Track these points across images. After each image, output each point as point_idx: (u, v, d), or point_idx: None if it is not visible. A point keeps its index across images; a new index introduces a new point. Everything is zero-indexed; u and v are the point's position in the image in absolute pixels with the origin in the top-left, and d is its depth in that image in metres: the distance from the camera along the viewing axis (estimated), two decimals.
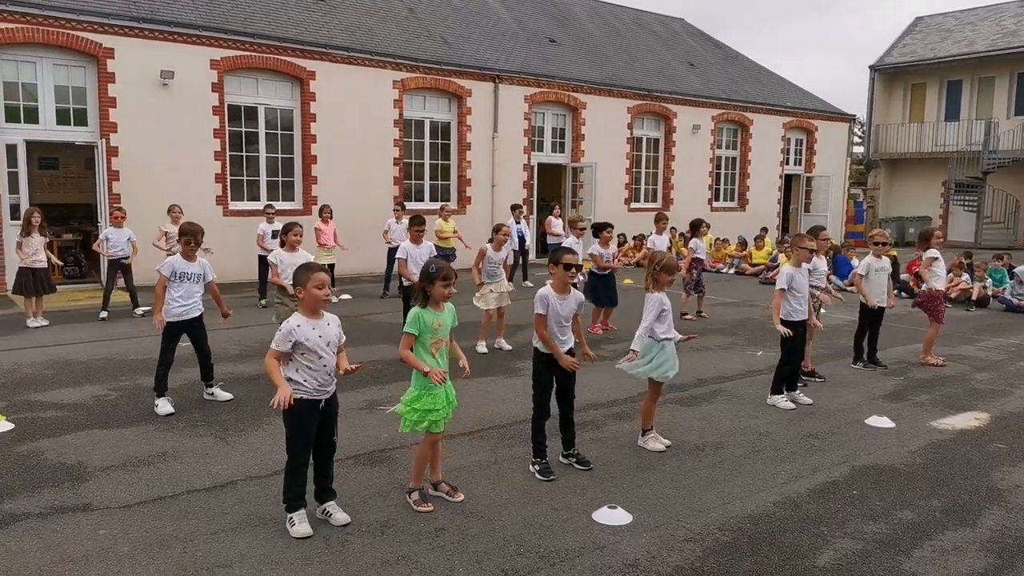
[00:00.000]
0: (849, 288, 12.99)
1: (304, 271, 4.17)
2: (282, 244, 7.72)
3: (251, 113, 15.32)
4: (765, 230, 19.52)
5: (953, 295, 13.01)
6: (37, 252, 9.92)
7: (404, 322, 8.34)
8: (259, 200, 15.23)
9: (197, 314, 6.46)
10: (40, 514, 4.38)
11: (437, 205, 16.77)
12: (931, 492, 4.93)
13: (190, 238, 6.34)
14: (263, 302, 11.87)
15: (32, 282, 9.89)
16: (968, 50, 26.76)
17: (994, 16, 27.96)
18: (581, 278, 7.83)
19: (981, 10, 28.96)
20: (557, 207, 16.90)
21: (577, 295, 5.19)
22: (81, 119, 13.56)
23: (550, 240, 15.82)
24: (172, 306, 6.32)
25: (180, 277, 6.31)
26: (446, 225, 13.80)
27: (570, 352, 5.09)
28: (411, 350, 4.43)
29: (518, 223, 14.71)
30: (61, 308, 11.16)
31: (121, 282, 10.94)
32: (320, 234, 12.42)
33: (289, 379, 4.15)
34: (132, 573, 3.74)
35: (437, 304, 4.49)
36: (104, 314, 10.54)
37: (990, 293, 13.65)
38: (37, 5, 12.72)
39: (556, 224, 15.68)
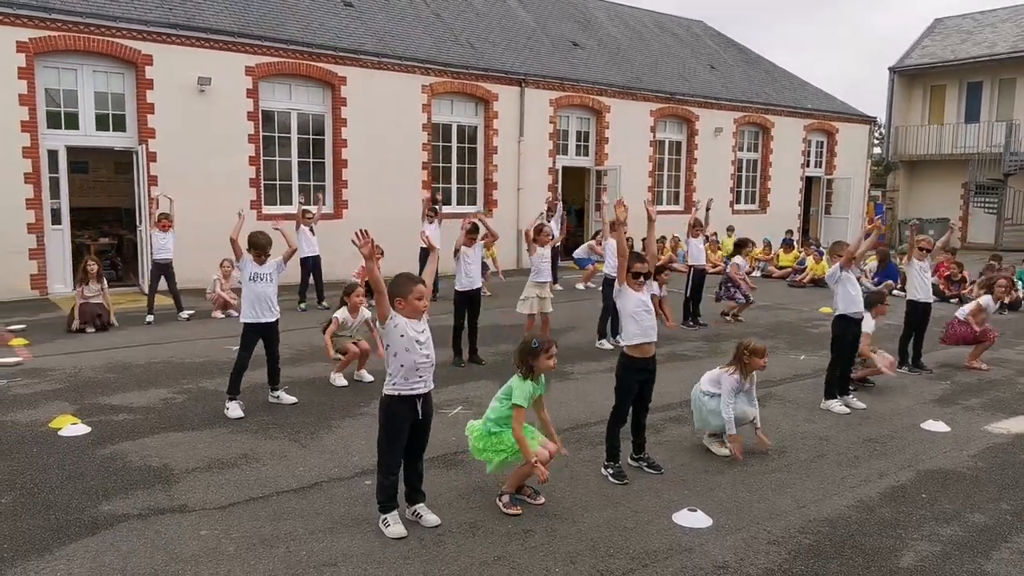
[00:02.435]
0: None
1: (407, 282, 4.31)
2: (342, 303, 7.82)
3: (284, 118, 15.51)
4: (791, 232, 19.58)
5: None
6: (96, 296, 10.11)
7: (454, 321, 8.52)
8: (291, 205, 15.40)
9: (272, 319, 6.62)
10: (139, 515, 4.54)
11: (464, 209, 16.99)
12: (998, 495, 5.04)
13: (259, 251, 6.50)
14: (303, 306, 12.05)
15: (90, 318, 10.01)
16: (988, 52, 26.73)
17: (1015, 18, 27.93)
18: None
19: (1001, 11, 28.92)
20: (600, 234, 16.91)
21: (652, 285, 5.28)
22: (120, 125, 13.76)
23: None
24: (247, 307, 6.51)
25: (253, 278, 6.48)
26: None
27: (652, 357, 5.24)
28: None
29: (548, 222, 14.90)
30: None
31: (163, 286, 11.08)
32: None
33: (389, 374, 4.34)
34: (243, 572, 3.88)
35: (537, 376, 4.65)
36: (150, 318, 10.72)
37: (1022, 296, 13.70)
38: (78, 13, 12.93)
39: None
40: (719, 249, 18.21)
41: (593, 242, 16.09)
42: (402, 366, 4.28)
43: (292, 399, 6.89)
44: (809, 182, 25.45)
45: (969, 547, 4.30)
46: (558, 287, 14.81)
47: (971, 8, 36.12)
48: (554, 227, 15.17)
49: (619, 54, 22.10)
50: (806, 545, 4.27)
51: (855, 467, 5.49)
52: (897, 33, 75.99)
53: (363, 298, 7.75)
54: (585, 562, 4.05)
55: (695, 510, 4.59)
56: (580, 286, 15.14)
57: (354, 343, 7.62)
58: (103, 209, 17.73)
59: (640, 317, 5.12)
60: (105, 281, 10.49)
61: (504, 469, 4.68)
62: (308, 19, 16.22)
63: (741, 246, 11.87)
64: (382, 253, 4.14)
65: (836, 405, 6.82)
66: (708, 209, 11.98)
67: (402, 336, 4.26)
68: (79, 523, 4.42)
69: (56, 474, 5.17)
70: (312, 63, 15.37)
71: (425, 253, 13.34)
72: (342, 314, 7.67)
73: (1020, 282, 14.20)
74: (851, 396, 6.99)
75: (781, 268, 17.61)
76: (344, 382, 7.49)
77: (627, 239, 9.46)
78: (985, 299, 8.72)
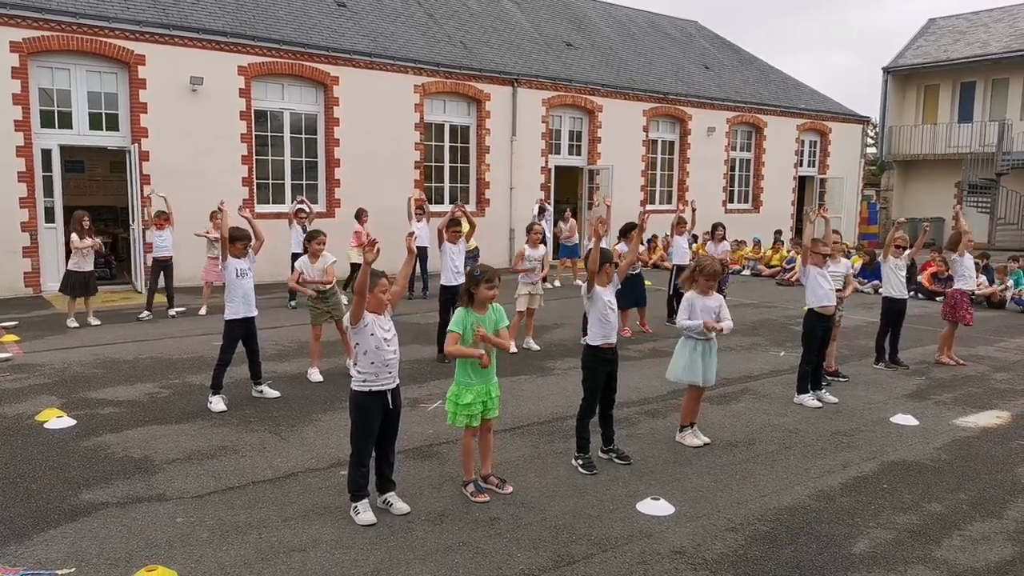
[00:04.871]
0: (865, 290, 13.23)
1: (373, 277, 4.44)
2: (304, 251, 7.98)
3: (277, 117, 15.65)
4: (780, 232, 19.71)
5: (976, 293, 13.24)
6: (87, 254, 10.24)
7: (439, 317, 8.67)
8: (284, 203, 15.55)
9: (255, 314, 6.78)
10: (118, 503, 4.67)
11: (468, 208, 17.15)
12: (957, 486, 5.17)
13: (245, 243, 6.64)
14: (293, 303, 12.18)
15: (78, 284, 10.20)
16: (982, 52, 26.84)
17: (1008, 18, 28.04)
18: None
19: (995, 12, 29.04)
20: (568, 211, 16.98)
21: (615, 284, 5.42)
22: (113, 124, 13.91)
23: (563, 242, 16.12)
24: (236, 305, 6.64)
25: (240, 274, 6.63)
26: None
27: (615, 347, 5.38)
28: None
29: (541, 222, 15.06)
30: (96, 309, 11.40)
31: (162, 282, 11.24)
32: (357, 235, 12.78)
33: (358, 371, 4.48)
34: (214, 557, 4.01)
35: (481, 306, 4.74)
36: (146, 314, 10.87)
37: (1009, 295, 13.82)
38: (71, 13, 13.07)
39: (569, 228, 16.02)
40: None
41: (562, 223, 16.20)
42: (372, 363, 4.43)
43: (275, 393, 7.02)
44: (802, 181, 25.59)
45: (922, 534, 4.43)
46: (547, 285, 14.97)
47: (965, 8, 36.24)
48: (545, 228, 15.35)
49: (612, 54, 22.23)
50: (763, 532, 4.40)
51: (820, 458, 5.62)
52: (893, 33, 76.14)
53: (323, 246, 7.78)
54: (547, 548, 4.18)
55: (658, 499, 4.72)
56: (554, 283, 15.31)
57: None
58: (99, 208, 17.82)
59: (608, 317, 5.29)
60: (98, 240, 10.55)
61: (452, 420, 4.78)
62: (301, 19, 16.35)
63: (716, 230, 11.88)
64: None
65: (808, 399, 6.95)
66: (693, 210, 12.08)
67: (372, 335, 4.41)
68: (59, 511, 4.55)
69: (39, 465, 5.30)
70: (305, 63, 15.51)
71: (423, 251, 13.52)
72: (302, 263, 7.82)
73: (1010, 280, 14.32)
74: (823, 390, 7.12)
75: (770, 267, 17.74)
76: (320, 377, 7.61)
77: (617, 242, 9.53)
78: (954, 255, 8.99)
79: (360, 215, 13.08)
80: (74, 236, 10.15)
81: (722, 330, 5.69)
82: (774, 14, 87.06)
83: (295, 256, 12.26)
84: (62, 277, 10.46)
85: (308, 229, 12.33)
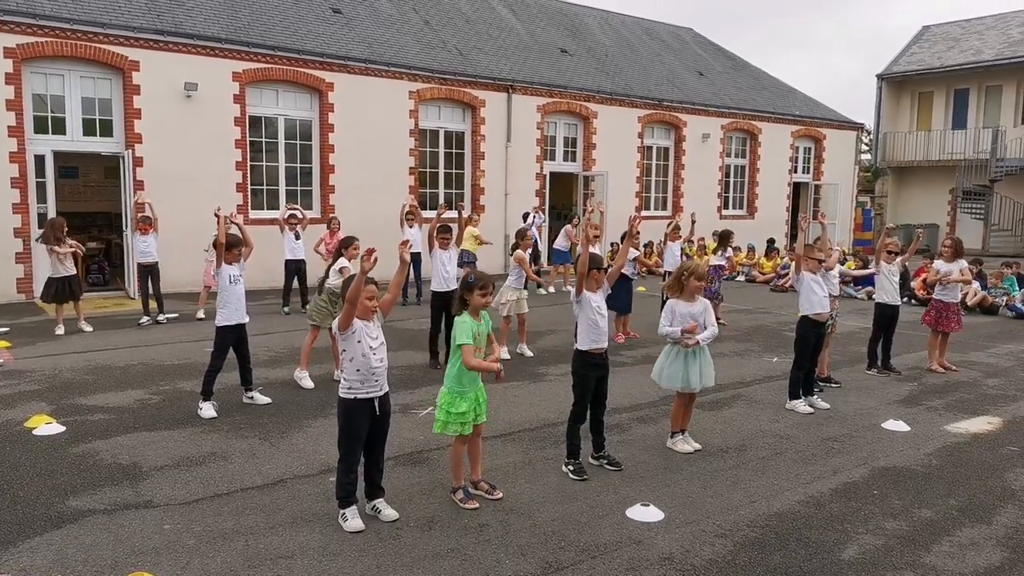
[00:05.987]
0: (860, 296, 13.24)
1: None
2: (339, 254, 7.90)
3: (271, 124, 15.65)
4: (773, 240, 19.76)
5: (969, 303, 13.29)
6: (66, 259, 10.20)
7: (430, 324, 8.67)
8: (278, 210, 15.50)
9: (247, 320, 6.77)
10: (105, 510, 4.64)
11: (450, 213, 17.12)
12: (948, 492, 5.17)
13: (239, 250, 6.65)
14: (286, 309, 12.15)
15: (63, 290, 10.16)
16: (975, 59, 26.99)
17: (1001, 25, 28.21)
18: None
19: (988, 19, 29.22)
20: (576, 218, 16.99)
21: (604, 289, 5.44)
22: (107, 130, 13.88)
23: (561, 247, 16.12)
24: (229, 311, 6.62)
25: (233, 280, 6.62)
26: (474, 231, 14.10)
27: (605, 352, 5.37)
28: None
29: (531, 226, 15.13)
30: (88, 315, 11.37)
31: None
32: (323, 244, 12.70)
33: (345, 378, 4.47)
34: (201, 564, 3.99)
35: (475, 313, 4.74)
36: (145, 319, 10.86)
37: (1001, 302, 13.85)
38: (66, 19, 13.06)
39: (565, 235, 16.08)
40: (706, 254, 18.36)
41: (569, 226, 16.23)
42: (358, 371, 4.43)
43: (266, 399, 7.00)
44: (797, 188, 25.64)
45: (911, 540, 4.43)
46: (541, 291, 14.98)
47: (959, 15, 36.44)
48: (535, 234, 15.42)
49: (608, 61, 22.28)
50: (752, 538, 4.39)
51: (811, 464, 5.62)
52: (892, 37, 76.51)
53: (357, 251, 7.78)
54: (535, 554, 4.17)
55: (648, 505, 4.71)
56: (547, 289, 15.28)
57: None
58: (94, 214, 17.82)
59: (598, 322, 5.29)
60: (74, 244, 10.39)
61: (440, 429, 4.76)
62: (296, 25, 16.37)
63: (725, 238, 11.89)
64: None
65: (800, 405, 6.95)
66: (693, 222, 12.12)
67: (359, 342, 4.41)
68: (45, 518, 4.53)
69: (27, 471, 5.27)
70: (300, 69, 15.52)
71: (416, 257, 13.51)
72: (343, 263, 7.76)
73: (1006, 285, 14.36)
74: (815, 396, 7.12)
75: (764, 274, 17.77)
76: (311, 384, 7.59)
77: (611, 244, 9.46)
78: (936, 263, 9.09)
79: (330, 223, 12.96)
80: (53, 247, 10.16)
81: (698, 343, 5.62)
82: (773, 16, 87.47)
83: (288, 263, 12.26)
84: (43, 285, 10.39)
85: (300, 236, 12.45)
